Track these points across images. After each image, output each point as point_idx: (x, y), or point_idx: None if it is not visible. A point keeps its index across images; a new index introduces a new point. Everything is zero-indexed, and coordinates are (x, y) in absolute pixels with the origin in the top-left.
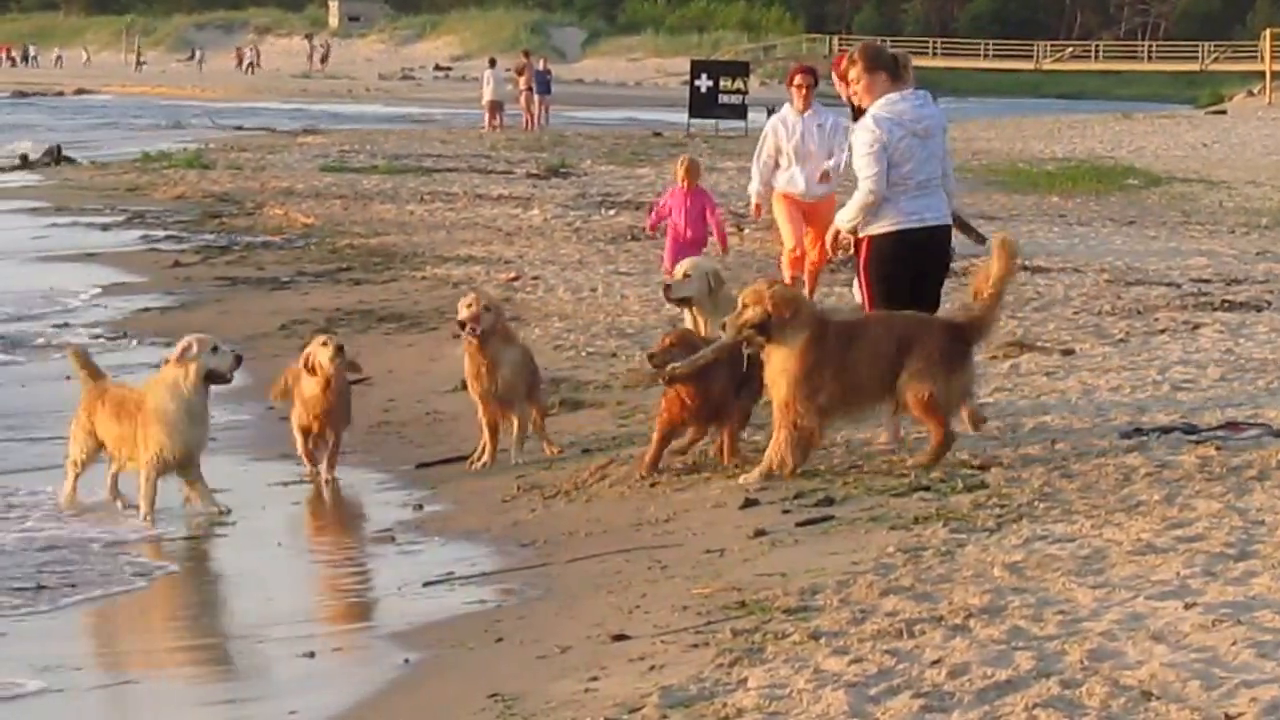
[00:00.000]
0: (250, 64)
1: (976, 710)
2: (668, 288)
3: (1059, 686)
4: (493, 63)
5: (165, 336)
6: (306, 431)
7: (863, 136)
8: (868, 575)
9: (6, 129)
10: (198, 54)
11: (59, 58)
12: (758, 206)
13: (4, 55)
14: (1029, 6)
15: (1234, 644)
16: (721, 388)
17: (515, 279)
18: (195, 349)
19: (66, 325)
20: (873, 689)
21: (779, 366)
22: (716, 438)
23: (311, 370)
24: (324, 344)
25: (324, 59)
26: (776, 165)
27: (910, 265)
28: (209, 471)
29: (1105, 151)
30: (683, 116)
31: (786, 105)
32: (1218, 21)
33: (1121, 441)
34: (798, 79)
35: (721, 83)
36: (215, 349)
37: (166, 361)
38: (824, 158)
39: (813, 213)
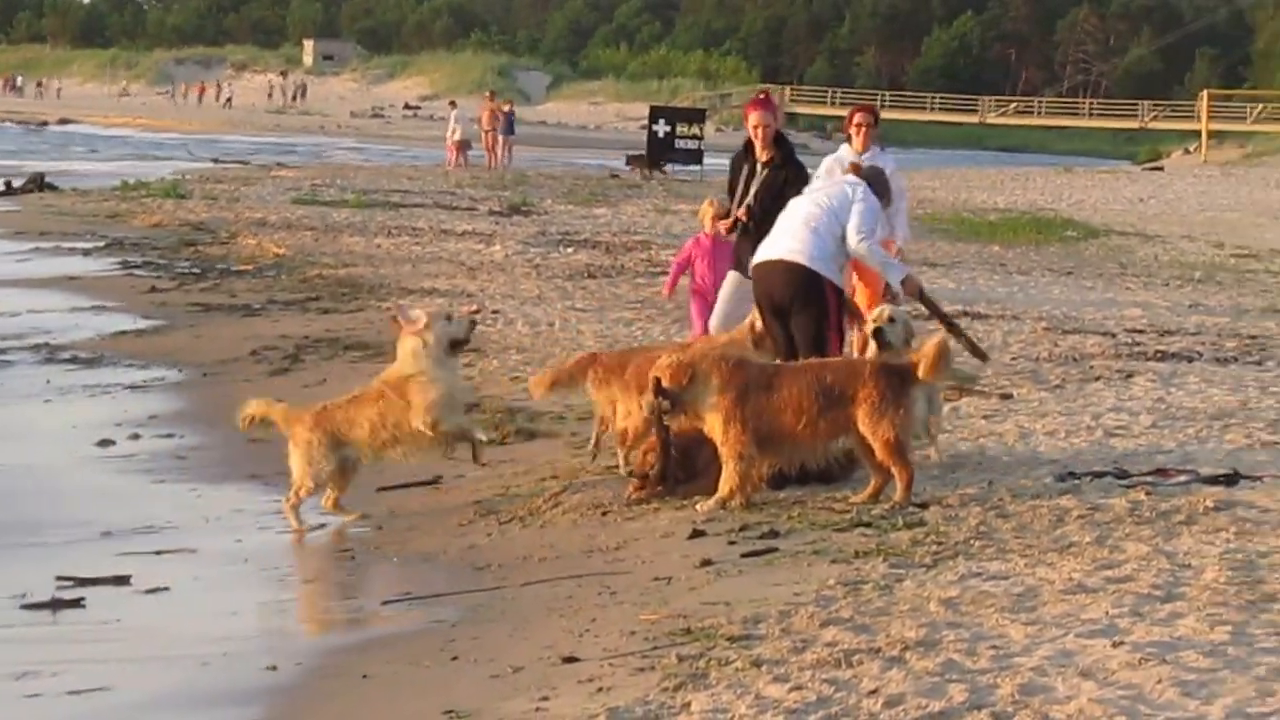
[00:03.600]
0: (228, 99)
1: None
2: (879, 331)
3: (990, 719)
4: (453, 104)
5: (140, 359)
6: None
7: None
8: (809, 606)
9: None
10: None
11: (49, 87)
12: None
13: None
14: (977, 63)
15: (1159, 682)
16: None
17: (476, 312)
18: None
19: (46, 345)
20: (811, 716)
21: (710, 413)
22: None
23: None
24: None
25: (296, 96)
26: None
27: (758, 298)
28: (167, 497)
29: (1046, 203)
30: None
31: (845, 145)
32: (1157, 81)
33: (1056, 484)
34: (857, 118)
35: (678, 128)
36: (449, 318)
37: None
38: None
39: (860, 264)
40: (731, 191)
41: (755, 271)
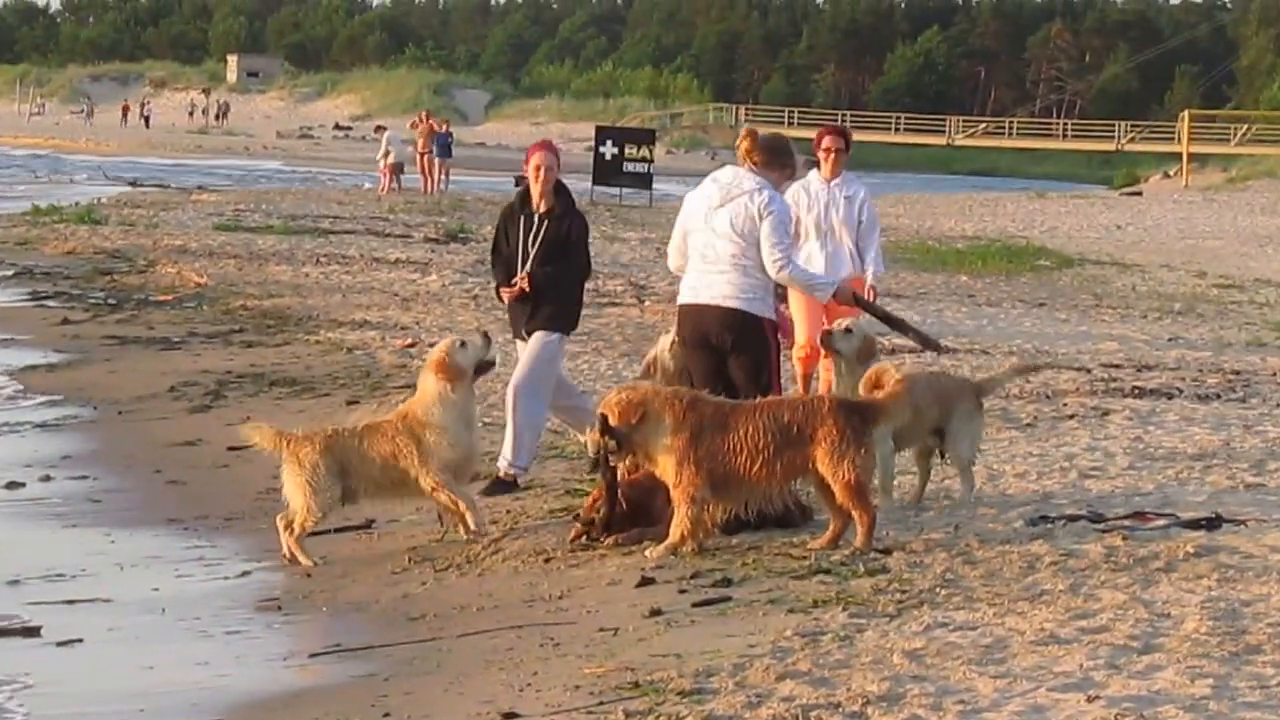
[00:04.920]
0: (146, 117)
1: None
2: (827, 334)
3: None
4: (382, 129)
5: (51, 396)
6: None
7: None
8: (764, 658)
9: None
10: (88, 107)
11: None
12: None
13: None
14: (943, 81)
15: None
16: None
17: (411, 345)
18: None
19: None
20: None
21: (662, 454)
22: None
23: None
24: None
25: (220, 115)
26: (795, 238)
27: (689, 339)
28: (80, 542)
29: (1017, 231)
30: (586, 183)
31: (813, 171)
32: (1135, 101)
33: (1026, 529)
34: (826, 141)
35: (627, 150)
36: (463, 344)
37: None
38: (849, 235)
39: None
40: (496, 247)
41: (686, 312)
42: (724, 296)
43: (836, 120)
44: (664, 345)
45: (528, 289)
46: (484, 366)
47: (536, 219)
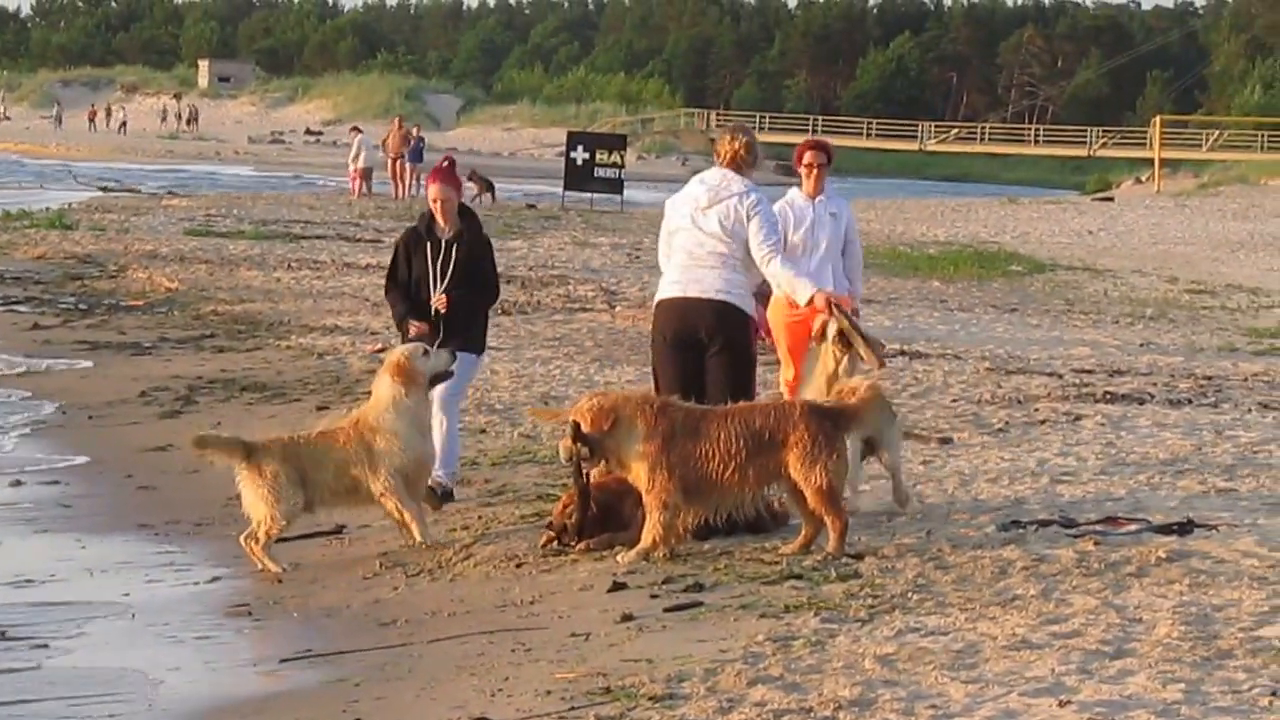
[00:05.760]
0: (123, 123)
1: None
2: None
3: None
4: (357, 130)
5: (22, 400)
6: None
7: None
8: (736, 664)
9: None
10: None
11: None
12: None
13: None
14: (915, 86)
15: None
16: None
17: (381, 350)
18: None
19: None
20: None
21: (634, 460)
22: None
23: None
24: None
25: (190, 120)
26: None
27: (669, 333)
28: (50, 547)
29: (989, 236)
30: (558, 189)
31: (794, 189)
32: (1107, 106)
33: (998, 534)
34: (807, 156)
35: (598, 155)
36: (425, 352)
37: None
38: (835, 252)
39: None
40: (393, 271)
41: (671, 306)
42: (715, 290)
43: (808, 126)
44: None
45: (444, 309)
46: (440, 377)
47: (444, 244)
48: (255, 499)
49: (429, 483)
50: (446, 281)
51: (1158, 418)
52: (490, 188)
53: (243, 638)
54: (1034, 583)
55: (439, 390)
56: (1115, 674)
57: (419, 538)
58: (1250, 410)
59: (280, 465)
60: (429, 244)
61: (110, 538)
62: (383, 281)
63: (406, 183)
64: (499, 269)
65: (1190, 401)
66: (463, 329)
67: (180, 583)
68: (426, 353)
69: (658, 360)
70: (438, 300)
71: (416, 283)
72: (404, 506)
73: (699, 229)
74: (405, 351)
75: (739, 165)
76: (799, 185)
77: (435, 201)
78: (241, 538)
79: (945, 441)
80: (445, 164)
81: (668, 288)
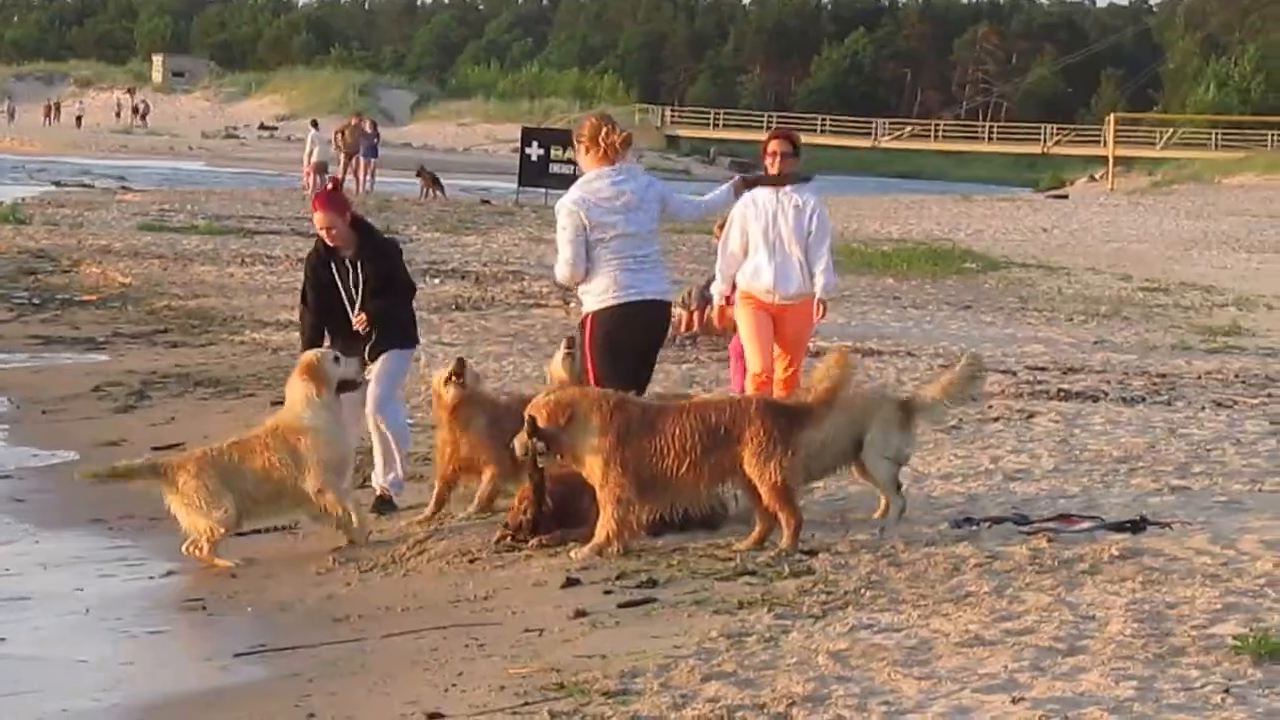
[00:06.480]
0: (78, 117)
1: None
2: None
3: None
4: (315, 124)
5: None
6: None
7: (559, 219)
8: (689, 660)
9: None
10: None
11: None
12: (722, 310)
13: None
14: (869, 83)
15: None
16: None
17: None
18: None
19: None
20: None
21: (589, 455)
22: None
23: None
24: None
25: (143, 115)
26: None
27: (627, 338)
28: (3, 542)
29: (943, 233)
30: (512, 184)
31: None
32: (1061, 104)
33: (951, 531)
34: (773, 145)
35: (553, 151)
36: (336, 358)
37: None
38: (799, 246)
39: (781, 318)
40: (305, 294)
41: (638, 310)
42: (664, 292)
43: (762, 122)
44: (557, 360)
45: (366, 327)
46: (346, 385)
47: (350, 263)
48: (189, 514)
49: (377, 492)
50: (360, 299)
51: (1111, 415)
52: (437, 183)
53: (196, 632)
54: (987, 580)
55: (372, 398)
56: (1068, 671)
57: (355, 537)
58: (1204, 408)
59: (199, 478)
60: (334, 264)
61: (63, 532)
62: None
63: (361, 178)
64: (452, 265)
65: (1144, 399)
66: (391, 330)
67: (133, 577)
68: (337, 359)
69: (603, 364)
70: (357, 321)
71: (330, 303)
72: (341, 500)
73: (636, 230)
74: (316, 354)
75: (621, 154)
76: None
77: (323, 230)
78: (184, 548)
79: None
80: (329, 188)
81: (620, 291)
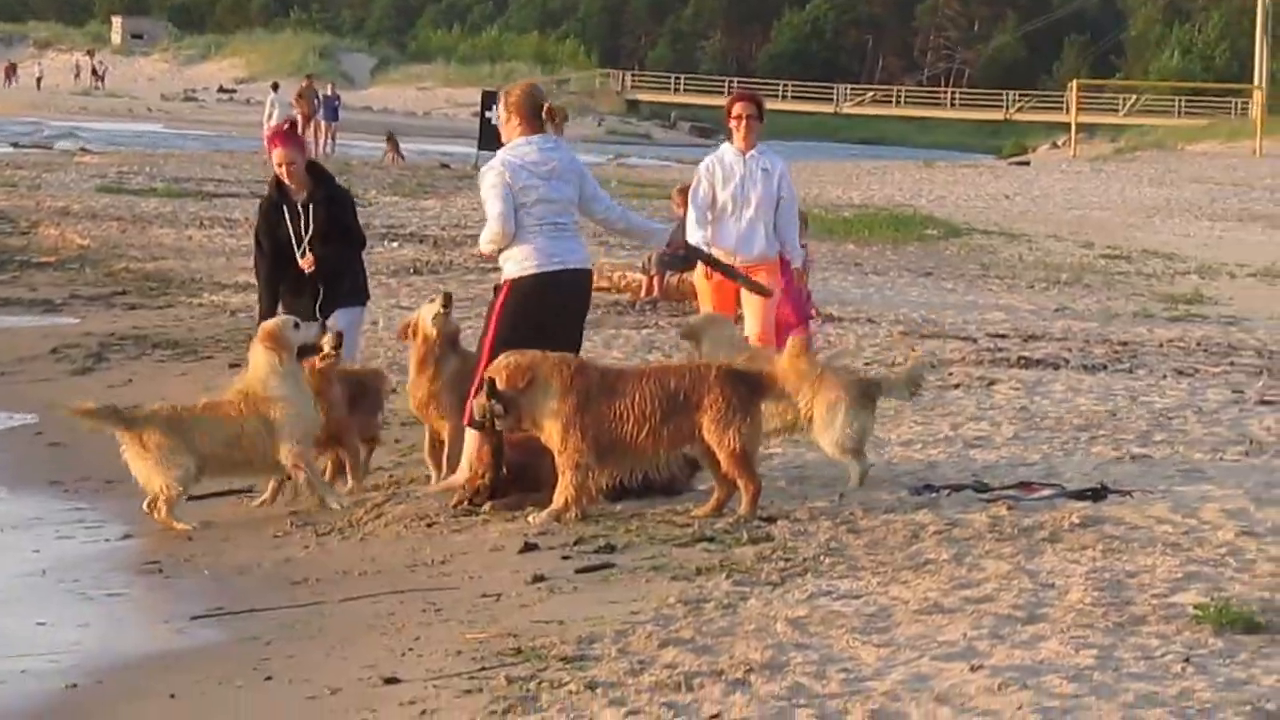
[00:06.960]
0: (38, 78)
1: None
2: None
3: None
4: (275, 87)
5: None
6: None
7: (485, 181)
8: (647, 625)
9: None
10: None
11: None
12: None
13: None
14: (830, 48)
15: (1020, 708)
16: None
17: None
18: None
19: None
20: None
21: (548, 419)
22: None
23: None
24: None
25: (101, 77)
26: (710, 214)
27: (547, 307)
28: None
29: (904, 200)
30: (472, 148)
31: (726, 143)
32: (1023, 70)
33: (911, 498)
34: (737, 108)
35: None
36: (296, 325)
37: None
38: (767, 210)
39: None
40: (258, 240)
41: (564, 278)
42: (585, 260)
43: (723, 87)
44: (428, 313)
45: (311, 268)
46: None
47: (301, 207)
48: (146, 470)
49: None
50: (308, 242)
51: (1072, 383)
52: (396, 147)
53: (154, 595)
54: (946, 547)
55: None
56: (1027, 639)
57: (334, 504)
58: (1165, 376)
59: (164, 436)
60: (286, 208)
61: (20, 494)
62: None
63: (321, 141)
64: (410, 229)
65: (1105, 367)
66: (343, 283)
67: (91, 540)
68: (297, 325)
69: (512, 332)
70: (304, 262)
71: (282, 248)
72: (313, 474)
73: (557, 197)
74: (276, 322)
75: (553, 126)
76: (729, 140)
77: (280, 166)
78: (144, 505)
79: None
80: (286, 126)
81: (543, 259)
